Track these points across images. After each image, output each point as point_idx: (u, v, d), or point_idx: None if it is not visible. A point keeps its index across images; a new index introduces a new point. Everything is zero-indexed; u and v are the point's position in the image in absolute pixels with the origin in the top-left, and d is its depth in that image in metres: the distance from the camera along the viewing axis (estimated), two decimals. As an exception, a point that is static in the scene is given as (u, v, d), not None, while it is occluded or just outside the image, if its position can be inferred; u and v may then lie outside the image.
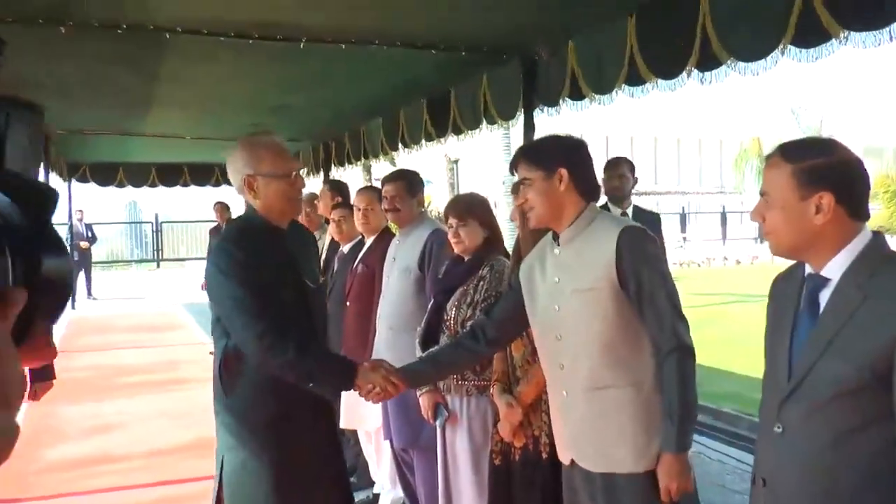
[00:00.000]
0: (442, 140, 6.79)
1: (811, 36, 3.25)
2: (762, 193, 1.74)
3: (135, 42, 4.50)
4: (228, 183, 10.64)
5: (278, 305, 2.44)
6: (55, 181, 10.88)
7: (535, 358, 2.55)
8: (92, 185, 12.51)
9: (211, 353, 8.71)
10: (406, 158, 11.97)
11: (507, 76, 5.43)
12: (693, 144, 38.86)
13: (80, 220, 16.10)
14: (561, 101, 5.00)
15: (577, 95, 4.83)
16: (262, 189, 2.53)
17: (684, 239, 29.32)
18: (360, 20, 4.49)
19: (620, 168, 5.01)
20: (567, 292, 2.26)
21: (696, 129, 37.36)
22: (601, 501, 2.26)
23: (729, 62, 3.73)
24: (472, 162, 26.44)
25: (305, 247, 2.79)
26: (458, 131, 6.41)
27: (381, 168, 18.53)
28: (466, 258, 3.13)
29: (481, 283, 3.03)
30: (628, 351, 2.21)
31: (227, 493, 2.56)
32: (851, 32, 3.17)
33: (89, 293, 15.96)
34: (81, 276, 15.68)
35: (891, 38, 2.99)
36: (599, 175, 4.41)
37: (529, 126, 5.34)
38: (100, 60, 5.09)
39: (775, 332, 1.81)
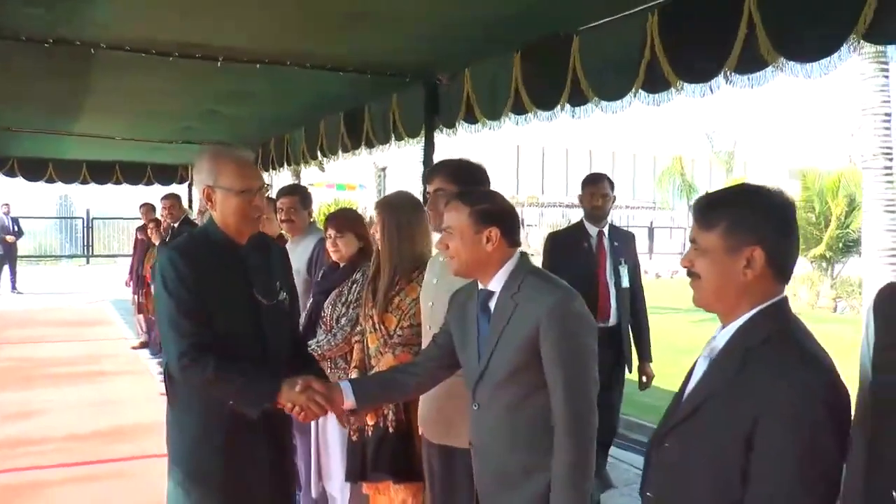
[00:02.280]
0: (357, 152, 7.27)
1: (659, 84, 3.83)
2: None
3: (62, 55, 4.87)
4: (160, 182, 10.97)
5: (207, 325, 2.42)
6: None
7: (387, 349, 3.04)
8: (20, 180, 12.56)
9: (133, 347, 9.03)
10: (337, 165, 12.39)
11: (412, 98, 5.93)
12: (628, 158, 39.73)
13: (7, 213, 16.03)
14: (457, 124, 5.54)
15: (472, 119, 5.36)
16: (220, 202, 2.52)
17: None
18: (274, 43, 4.94)
19: (603, 186, 4.63)
20: None
21: (631, 144, 38.19)
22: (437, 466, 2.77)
23: (594, 100, 4.30)
24: (398, 170, 27.00)
25: (268, 261, 2.68)
26: (370, 144, 6.90)
27: (310, 173, 18.89)
28: (342, 265, 3.63)
29: (354, 285, 3.52)
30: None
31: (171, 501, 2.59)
32: (685, 84, 3.79)
33: (13, 287, 15.89)
34: (6, 270, 15.62)
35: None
36: (576, 191, 4.46)
37: (430, 144, 5.86)
38: (27, 71, 5.43)
39: (464, 333, 2.37)
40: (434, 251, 2.97)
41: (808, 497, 1.41)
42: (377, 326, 3.06)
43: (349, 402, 2.46)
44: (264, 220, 2.94)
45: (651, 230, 34.13)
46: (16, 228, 16.37)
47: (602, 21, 4.11)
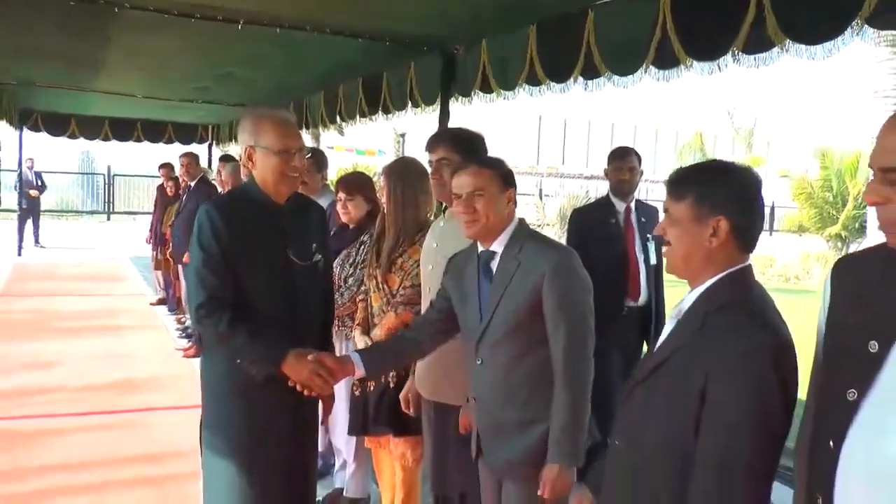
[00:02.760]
0: (374, 117, 7.33)
1: (668, 61, 3.89)
2: None
3: (85, 12, 4.96)
4: (181, 141, 11.16)
5: (228, 281, 2.49)
6: (5, 129, 11.12)
7: (389, 308, 3.14)
8: (44, 135, 12.75)
9: (151, 303, 9.24)
10: (357, 130, 12.44)
11: (429, 66, 5.99)
12: (650, 133, 39.44)
13: (31, 167, 16.24)
14: (473, 93, 5.60)
15: (487, 89, 5.43)
16: (260, 162, 2.57)
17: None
18: (294, 7, 5.01)
19: (630, 159, 4.51)
20: None
21: (653, 118, 37.90)
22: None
23: (606, 74, 4.36)
24: (417, 136, 27.02)
25: (306, 222, 2.75)
26: (387, 111, 6.96)
27: (330, 137, 18.91)
28: (351, 226, 3.73)
29: (362, 247, 3.64)
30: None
31: (203, 446, 2.72)
32: (695, 61, 3.85)
33: (37, 241, 16.15)
34: (29, 223, 15.87)
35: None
36: (597, 163, 4.54)
37: (445, 112, 5.93)
38: (52, 26, 5.53)
39: (463, 294, 2.51)
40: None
41: (754, 448, 1.51)
42: (381, 286, 3.17)
43: (360, 371, 2.56)
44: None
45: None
46: (39, 183, 16.60)
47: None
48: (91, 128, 12.59)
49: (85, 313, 9.18)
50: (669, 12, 3.74)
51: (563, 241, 4.73)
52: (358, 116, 7.60)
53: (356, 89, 7.33)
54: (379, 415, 3.15)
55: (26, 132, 13.07)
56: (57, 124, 12.39)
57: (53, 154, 24.74)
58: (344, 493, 3.85)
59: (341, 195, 3.70)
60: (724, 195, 1.66)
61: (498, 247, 2.43)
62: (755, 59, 3.48)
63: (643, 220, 4.49)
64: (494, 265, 2.44)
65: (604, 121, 37.76)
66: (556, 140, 38.75)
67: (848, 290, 1.48)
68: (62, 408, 5.48)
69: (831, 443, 1.38)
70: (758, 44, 3.35)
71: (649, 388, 1.70)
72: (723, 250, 1.67)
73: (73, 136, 12.67)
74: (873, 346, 1.34)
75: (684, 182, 1.73)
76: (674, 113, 36.26)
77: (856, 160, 17.51)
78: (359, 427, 3.28)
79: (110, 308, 9.53)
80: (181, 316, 8.37)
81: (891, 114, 1.40)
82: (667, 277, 4.67)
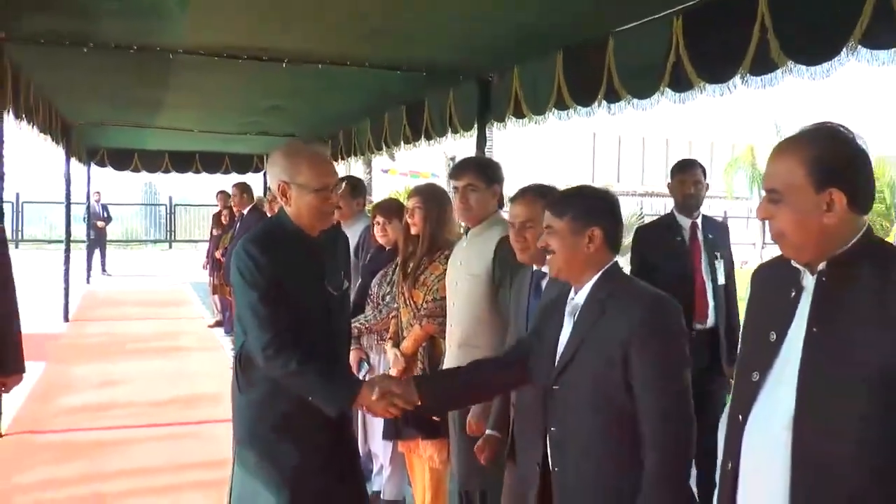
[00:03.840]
0: (417, 143, 7.66)
1: (683, 83, 4.10)
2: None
3: (144, 59, 5.41)
4: (237, 171, 11.68)
5: (289, 315, 2.47)
6: (75, 165, 11.79)
7: (415, 321, 3.43)
8: (109, 169, 13.47)
9: (209, 325, 9.70)
10: (409, 155, 12.79)
11: (466, 94, 6.29)
12: (705, 147, 39.02)
13: (98, 200, 17.04)
14: (507, 118, 5.88)
15: (520, 114, 5.69)
16: (295, 198, 2.54)
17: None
18: (333, 46, 5.38)
19: (695, 172, 4.19)
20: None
21: (708, 132, 37.48)
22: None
23: (626, 98, 4.57)
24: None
25: (335, 251, 2.76)
26: (429, 137, 7.28)
27: (383, 162, 19.28)
28: (388, 248, 4.04)
29: (398, 267, 3.93)
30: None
31: (236, 486, 2.68)
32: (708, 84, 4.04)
33: (104, 269, 16.90)
34: (97, 253, 16.62)
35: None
36: (665, 178, 4.14)
37: (482, 137, 6.22)
38: (115, 72, 6.02)
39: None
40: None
41: (681, 380, 1.96)
42: (408, 301, 3.46)
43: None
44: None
45: (724, 220, 33.57)
46: (105, 215, 17.37)
47: (633, 24, 4.39)
48: (152, 161, 13.24)
49: (149, 336, 9.68)
50: (682, 37, 3.94)
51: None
52: (402, 142, 7.95)
53: (400, 116, 7.67)
54: (409, 419, 3.38)
55: (93, 168, 13.82)
56: (121, 159, 13.11)
57: (119, 186, 25.82)
58: (381, 497, 4.11)
59: (379, 219, 4.02)
60: (597, 211, 2.12)
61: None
62: (761, 80, 3.64)
63: (710, 236, 4.19)
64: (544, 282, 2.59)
65: (658, 136, 37.54)
66: (610, 157, 38.59)
67: (758, 290, 1.73)
68: (131, 420, 5.92)
69: (740, 417, 1.61)
70: (763, 65, 3.52)
71: (568, 376, 2.05)
72: (598, 254, 2.10)
73: (136, 170, 13.39)
74: (772, 336, 1.57)
75: (563, 202, 2.16)
76: (728, 127, 35.89)
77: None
78: (392, 432, 3.56)
79: (172, 331, 10.03)
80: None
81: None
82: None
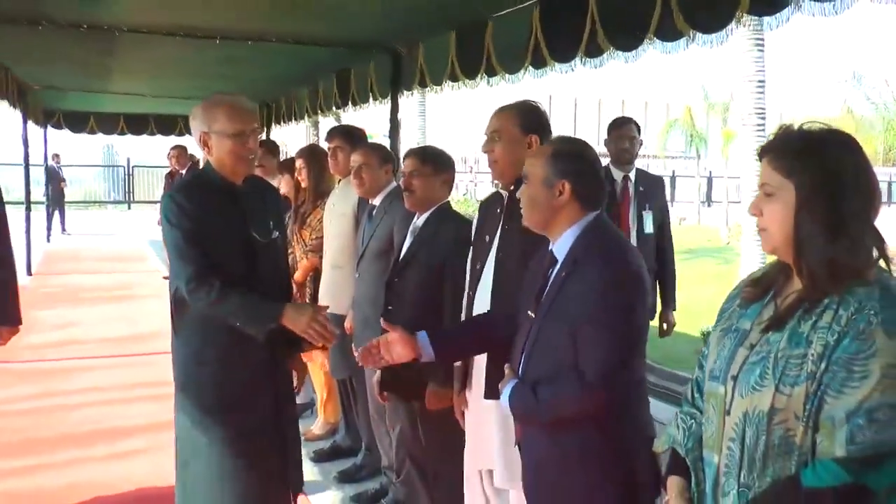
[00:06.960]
0: (345, 110, 8.50)
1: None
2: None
3: (93, 35, 6.18)
4: (191, 132, 12.37)
5: (207, 253, 2.56)
6: (32, 128, 12.36)
7: (304, 255, 4.37)
8: (66, 132, 14.07)
9: (164, 277, 10.57)
10: (353, 115, 13.51)
11: (384, 65, 7.11)
12: (639, 107, 39.57)
13: (58, 163, 17.61)
14: (413, 88, 6.73)
15: (424, 84, 6.54)
16: (215, 146, 2.63)
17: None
18: (259, 23, 6.14)
19: (629, 128, 4.48)
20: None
21: (642, 93, 37.99)
22: None
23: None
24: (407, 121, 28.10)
25: (262, 202, 2.81)
26: (355, 103, 8.11)
27: (327, 123, 19.86)
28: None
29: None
30: None
31: (177, 426, 2.78)
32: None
33: (63, 229, 17.54)
34: (56, 214, 17.25)
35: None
36: (597, 138, 4.32)
37: (395, 105, 7.07)
38: (68, 45, 6.78)
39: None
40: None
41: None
42: (299, 240, 4.39)
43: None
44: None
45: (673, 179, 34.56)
46: (62, 177, 17.98)
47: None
48: (108, 123, 13.77)
49: (107, 286, 10.56)
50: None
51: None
52: (334, 108, 8.77)
53: (332, 84, 8.47)
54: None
55: (51, 129, 14.39)
56: (77, 122, 13.66)
57: (79, 149, 26.12)
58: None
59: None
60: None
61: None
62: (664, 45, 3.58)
63: (641, 188, 4.47)
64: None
65: (590, 98, 38.04)
66: (567, 121, 39.19)
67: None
68: (89, 352, 6.91)
69: None
70: (669, 33, 3.48)
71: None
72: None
73: (92, 132, 13.90)
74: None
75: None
76: (663, 87, 36.51)
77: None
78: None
79: (129, 282, 10.90)
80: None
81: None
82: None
